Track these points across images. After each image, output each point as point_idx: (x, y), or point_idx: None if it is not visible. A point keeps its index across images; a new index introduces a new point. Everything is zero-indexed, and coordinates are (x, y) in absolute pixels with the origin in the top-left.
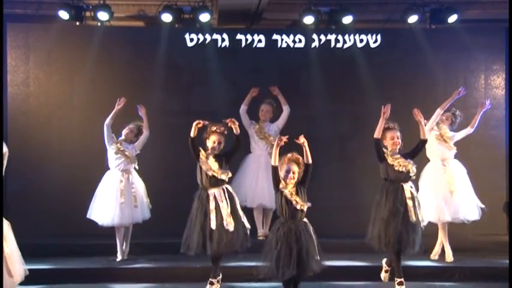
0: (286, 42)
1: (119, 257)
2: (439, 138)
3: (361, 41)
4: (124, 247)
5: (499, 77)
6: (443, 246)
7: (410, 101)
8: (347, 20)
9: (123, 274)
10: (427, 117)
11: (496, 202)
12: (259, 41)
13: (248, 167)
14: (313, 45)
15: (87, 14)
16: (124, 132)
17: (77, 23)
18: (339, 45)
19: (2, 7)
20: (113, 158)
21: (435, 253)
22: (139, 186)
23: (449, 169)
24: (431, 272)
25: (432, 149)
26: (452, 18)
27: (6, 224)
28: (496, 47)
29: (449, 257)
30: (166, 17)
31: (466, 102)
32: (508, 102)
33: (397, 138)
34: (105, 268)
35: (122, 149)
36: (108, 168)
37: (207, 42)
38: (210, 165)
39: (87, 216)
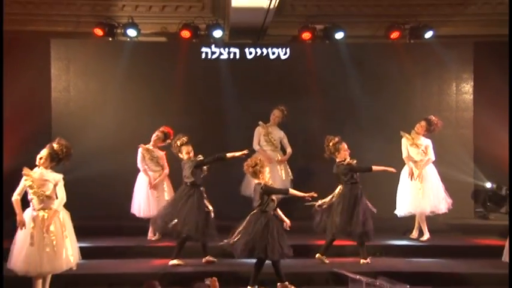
0: (287, 54)
1: (149, 236)
2: (410, 140)
3: (350, 54)
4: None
5: (467, 84)
6: (420, 228)
7: (392, 105)
8: (339, 35)
9: (150, 251)
10: (409, 120)
11: (464, 191)
12: (264, 53)
13: None
14: (310, 57)
15: (118, 31)
16: (153, 138)
17: (110, 39)
18: (332, 57)
19: (2, 7)
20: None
21: (414, 233)
22: (168, 183)
23: (421, 172)
24: (410, 250)
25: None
26: (428, 34)
27: (65, 213)
28: (465, 58)
29: (425, 237)
30: (185, 34)
31: (440, 106)
32: (508, 103)
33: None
34: (135, 246)
35: (155, 155)
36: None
37: (219, 55)
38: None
39: (131, 211)
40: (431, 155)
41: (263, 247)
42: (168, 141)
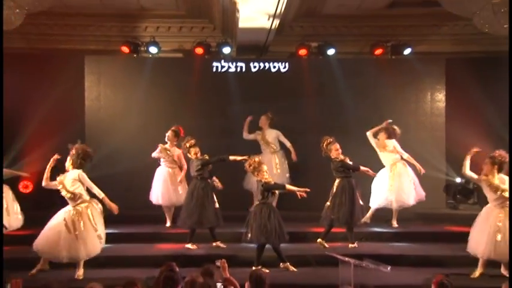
0: (286, 68)
1: (168, 224)
2: (379, 147)
3: (340, 67)
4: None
5: (440, 94)
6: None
7: (375, 110)
8: (331, 52)
9: (167, 237)
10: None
11: (437, 185)
12: (267, 67)
13: None
14: (306, 70)
15: (142, 48)
16: (166, 138)
17: (135, 55)
18: (325, 70)
19: (1, 9)
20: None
21: (393, 222)
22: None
23: (394, 173)
24: (391, 235)
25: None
26: (407, 51)
27: (95, 203)
28: (438, 71)
29: (394, 224)
30: (199, 50)
31: (417, 112)
32: (508, 103)
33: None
34: (154, 232)
35: (170, 154)
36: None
37: (228, 68)
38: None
39: (150, 198)
40: (402, 152)
41: (271, 235)
42: (181, 136)
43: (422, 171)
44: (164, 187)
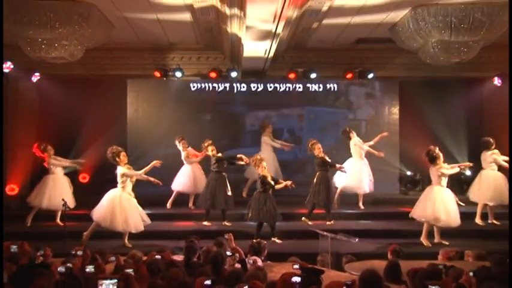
0: (281, 87)
1: (190, 205)
2: (354, 144)
3: (319, 87)
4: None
5: (395, 108)
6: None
7: (346, 119)
8: (313, 75)
9: (189, 216)
10: (356, 130)
11: (392, 177)
12: (264, 87)
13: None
14: (295, 89)
15: (170, 73)
16: (182, 147)
17: (164, 78)
18: (308, 89)
19: (1, 8)
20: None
21: (360, 205)
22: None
23: (361, 163)
24: (359, 215)
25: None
26: (370, 76)
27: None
28: (393, 90)
29: (360, 207)
30: (213, 74)
31: (378, 122)
32: (508, 104)
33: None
34: (178, 212)
35: (190, 156)
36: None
37: (235, 88)
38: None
39: (172, 187)
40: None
41: (267, 215)
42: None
43: (382, 155)
44: (188, 178)
